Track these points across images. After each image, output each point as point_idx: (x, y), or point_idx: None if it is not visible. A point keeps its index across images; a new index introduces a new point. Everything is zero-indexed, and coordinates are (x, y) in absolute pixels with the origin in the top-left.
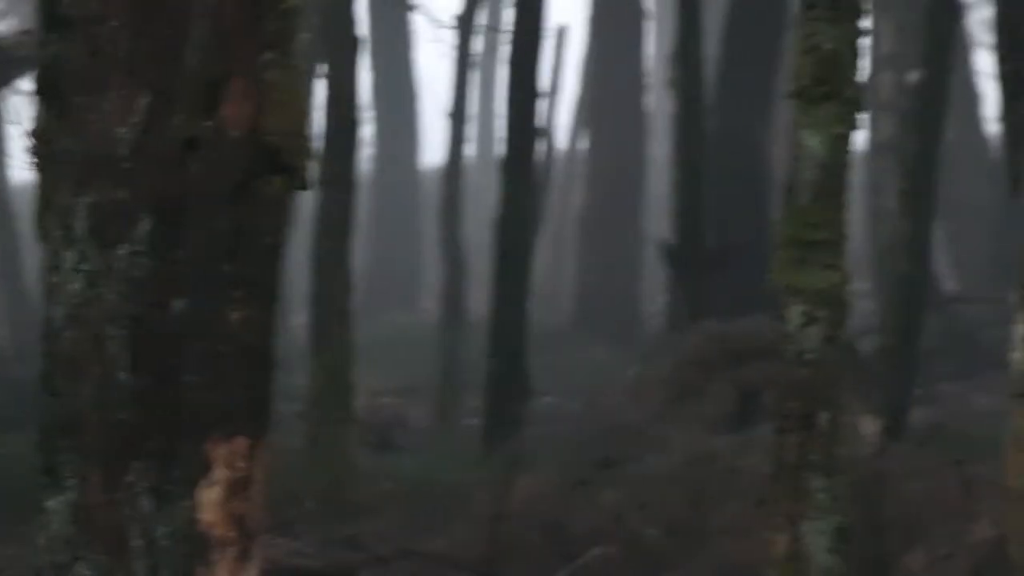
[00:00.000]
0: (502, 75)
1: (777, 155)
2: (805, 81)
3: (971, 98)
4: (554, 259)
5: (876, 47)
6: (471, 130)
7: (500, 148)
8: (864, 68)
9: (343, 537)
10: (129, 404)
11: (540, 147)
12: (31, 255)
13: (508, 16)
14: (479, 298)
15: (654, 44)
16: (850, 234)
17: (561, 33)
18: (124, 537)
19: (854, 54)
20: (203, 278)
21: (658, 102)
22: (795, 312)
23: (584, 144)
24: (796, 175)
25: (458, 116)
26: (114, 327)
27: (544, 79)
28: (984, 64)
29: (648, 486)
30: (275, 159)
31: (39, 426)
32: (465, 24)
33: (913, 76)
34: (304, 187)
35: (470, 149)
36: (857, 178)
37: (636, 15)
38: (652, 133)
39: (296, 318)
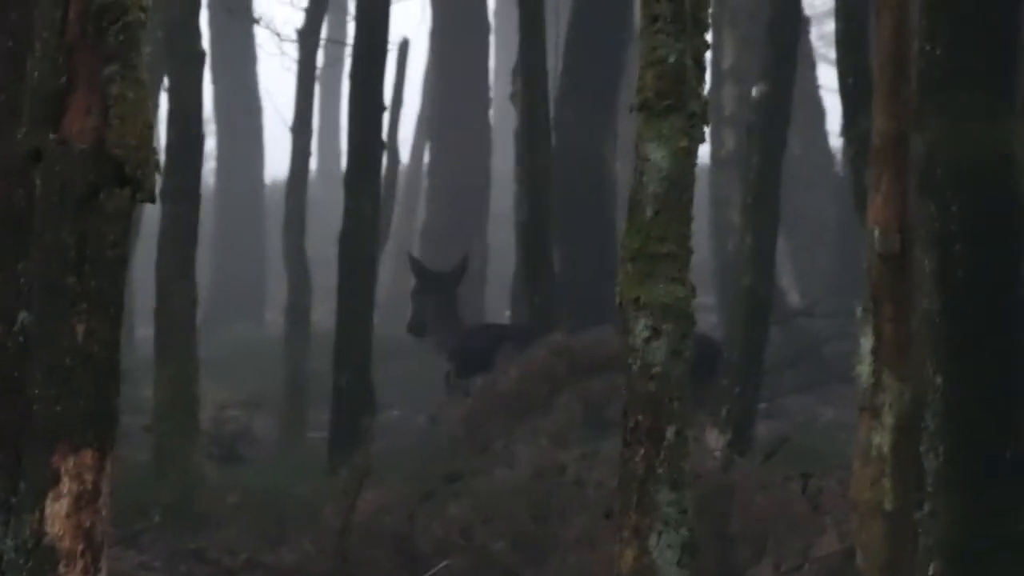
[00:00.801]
0: (345, 88)
1: (621, 169)
2: (649, 94)
3: (815, 112)
4: (398, 272)
5: (718, 60)
6: (315, 144)
7: (344, 162)
8: (707, 81)
9: (190, 549)
10: None
11: (384, 161)
12: None
13: (351, 29)
14: (324, 311)
15: (496, 58)
16: (695, 248)
17: (404, 46)
18: None
19: (698, 67)
20: (48, 290)
21: (501, 116)
22: (640, 326)
23: (428, 158)
24: (640, 188)
25: (301, 130)
26: None
27: (387, 93)
28: (828, 78)
29: (495, 499)
30: (120, 172)
31: None
32: (308, 37)
33: (755, 89)
34: (150, 199)
35: (314, 163)
36: (701, 191)
37: (478, 29)
38: (495, 147)
39: (141, 330)
